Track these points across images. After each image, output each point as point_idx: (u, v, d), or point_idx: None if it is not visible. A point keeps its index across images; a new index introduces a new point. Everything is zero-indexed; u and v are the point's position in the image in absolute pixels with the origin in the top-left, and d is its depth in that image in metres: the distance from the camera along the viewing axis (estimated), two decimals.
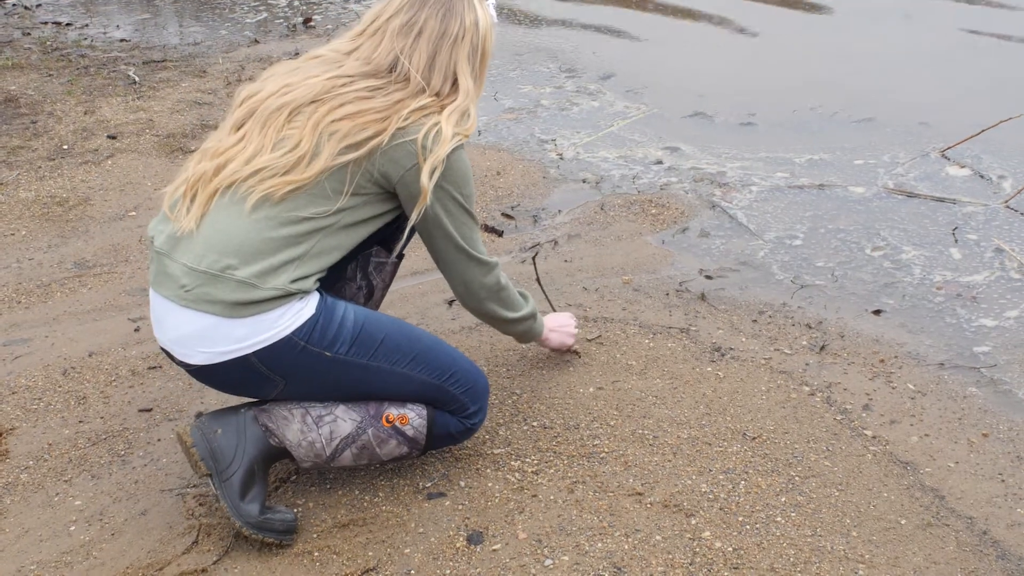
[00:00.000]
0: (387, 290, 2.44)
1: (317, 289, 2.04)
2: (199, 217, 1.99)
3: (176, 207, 2.04)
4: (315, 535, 2.12)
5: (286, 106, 2.01)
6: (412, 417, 2.13)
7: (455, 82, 2.08)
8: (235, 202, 1.98)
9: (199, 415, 2.14)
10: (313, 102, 2.00)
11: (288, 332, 1.97)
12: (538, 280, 2.93)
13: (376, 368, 2.07)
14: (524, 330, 2.38)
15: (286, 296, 1.96)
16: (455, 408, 2.17)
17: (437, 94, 2.06)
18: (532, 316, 2.37)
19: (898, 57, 5.33)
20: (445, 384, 2.14)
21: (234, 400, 2.32)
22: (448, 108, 2.04)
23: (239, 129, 2.05)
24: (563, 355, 2.70)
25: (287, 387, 2.06)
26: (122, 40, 6.01)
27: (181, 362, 2.06)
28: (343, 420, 2.09)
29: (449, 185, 2.05)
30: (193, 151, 4.14)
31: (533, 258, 2.95)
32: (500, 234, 3.55)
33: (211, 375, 2.06)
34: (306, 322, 1.99)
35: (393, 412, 2.12)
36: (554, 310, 2.85)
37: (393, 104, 2.01)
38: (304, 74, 2.06)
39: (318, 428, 2.08)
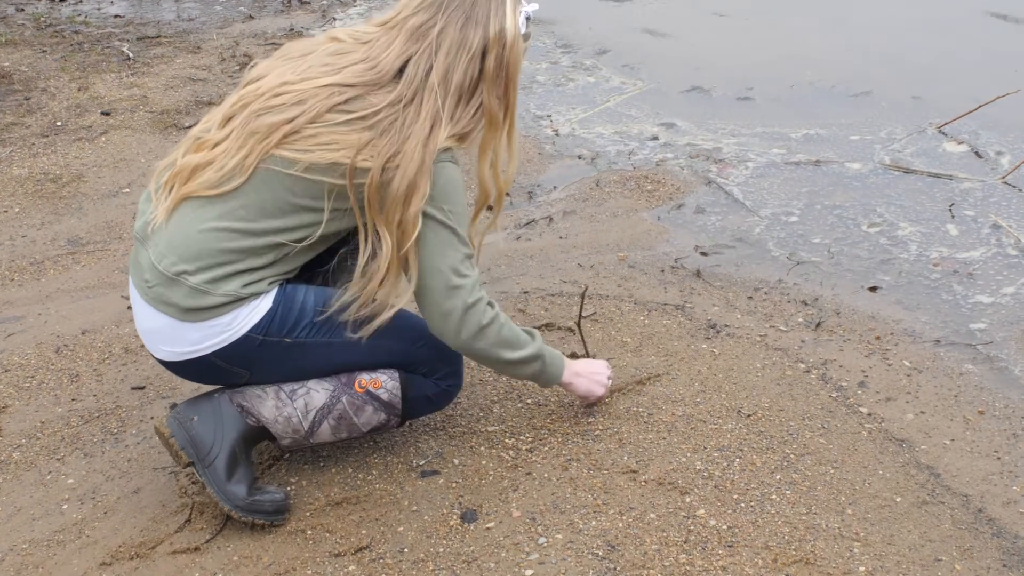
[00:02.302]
0: None
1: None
2: (169, 211, 1.95)
3: (159, 191, 2.00)
4: (308, 513, 2.11)
5: (268, 125, 1.89)
6: (384, 380, 2.09)
7: (478, 107, 1.93)
8: (202, 205, 1.93)
9: (174, 405, 2.11)
10: (293, 133, 1.87)
11: (244, 332, 1.95)
12: (578, 324, 2.60)
13: (340, 343, 2.02)
14: (533, 373, 2.15)
15: (237, 300, 1.92)
16: (427, 371, 2.13)
17: (454, 120, 1.91)
18: (537, 357, 2.12)
19: (897, 30, 5.29)
20: (414, 348, 2.10)
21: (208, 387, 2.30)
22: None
23: (228, 122, 1.96)
24: (590, 406, 2.39)
25: (253, 376, 2.05)
26: (116, 16, 5.96)
27: (151, 353, 2.06)
28: (316, 391, 2.07)
29: (428, 203, 1.91)
30: (189, 127, 4.15)
31: (578, 321, 2.59)
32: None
33: (177, 369, 2.05)
34: (262, 318, 1.95)
35: (365, 378, 2.08)
36: (588, 356, 2.54)
37: (390, 138, 1.87)
38: (305, 71, 1.93)
39: (292, 402, 2.06)
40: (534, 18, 2.02)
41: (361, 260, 1.94)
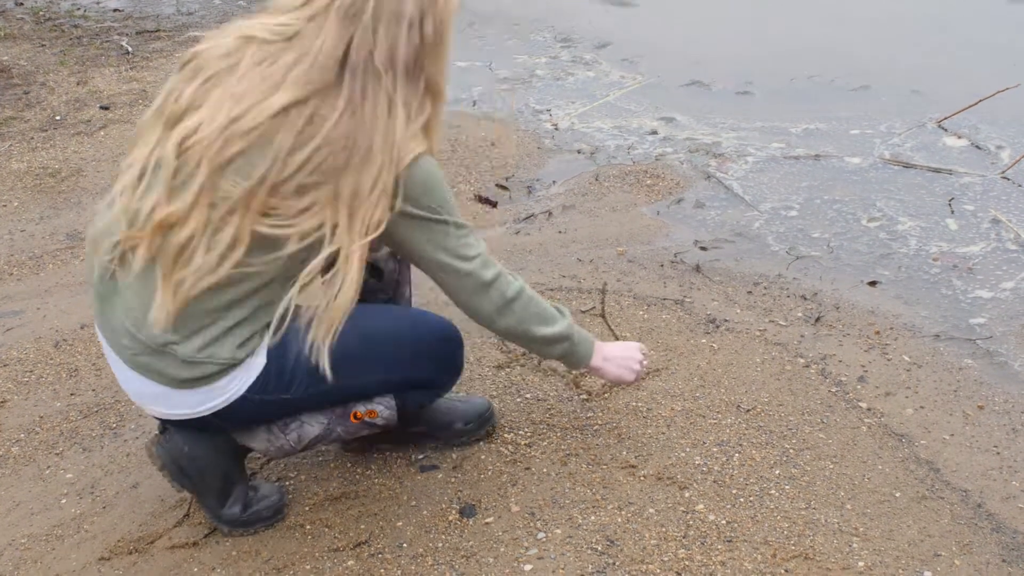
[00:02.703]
0: (410, 283, 2.21)
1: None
2: (123, 256, 1.77)
3: (114, 247, 1.78)
4: (307, 508, 2.10)
5: (243, 194, 1.67)
6: (381, 411, 1.99)
7: (425, 87, 1.74)
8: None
9: (163, 430, 1.98)
10: (272, 196, 1.68)
11: (241, 393, 1.84)
12: (603, 314, 2.61)
13: (338, 385, 1.88)
14: (561, 352, 2.02)
15: (235, 365, 1.80)
16: (425, 386, 2.05)
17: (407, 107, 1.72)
18: (567, 336, 2.00)
19: (897, 23, 5.27)
20: (411, 373, 1.99)
21: None
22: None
23: (176, 175, 1.71)
24: (623, 387, 2.35)
25: (254, 422, 1.96)
26: (115, 10, 5.93)
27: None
28: (310, 425, 1.96)
29: (406, 203, 1.76)
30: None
31: (602, 312, 2.53)
32: (494, 205, 3.52)
33: (174, 423, 1.94)
34: (258, 377, 1.83)
35: (361, 409, 1.98)
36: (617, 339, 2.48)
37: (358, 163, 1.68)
38: (244, 93, 1.68)
39: (285, 435, 1.96)
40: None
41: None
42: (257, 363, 1.83)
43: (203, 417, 1.88)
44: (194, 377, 1.79)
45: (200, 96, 1.71)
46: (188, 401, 1.84)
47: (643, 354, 2.17)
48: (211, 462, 1.97)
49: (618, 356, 2.13)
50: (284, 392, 1.87)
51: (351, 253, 1.71)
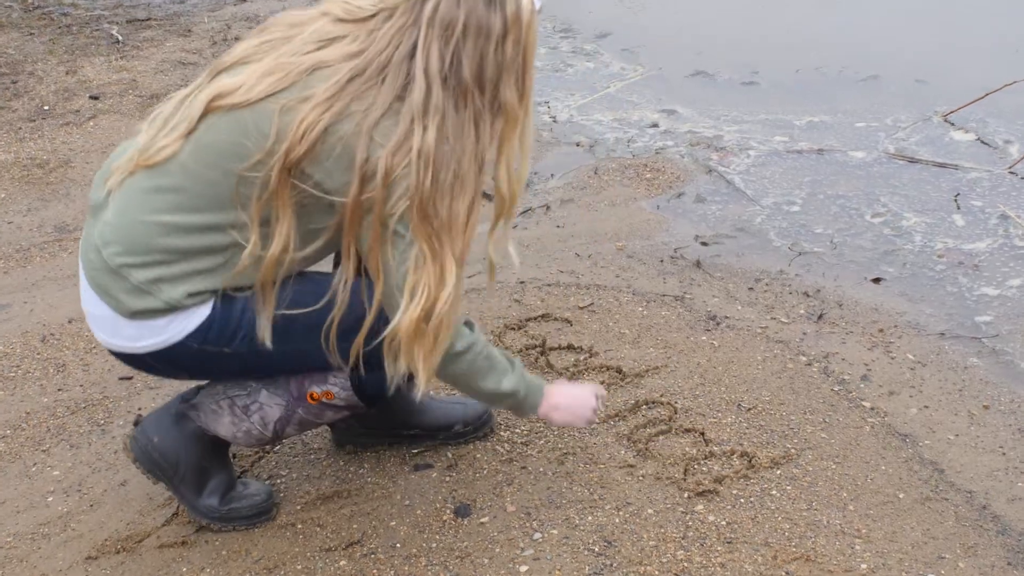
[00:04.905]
0: None
1: None
2: (122, 178, 1.78)
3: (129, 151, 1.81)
4: (299, 507, 2.08)
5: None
6: (337, 392, 1.92)
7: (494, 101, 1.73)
8: (153, 176, 1.75)
9: (137, 422, 2.01)
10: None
11: (179, 338, 1.79)
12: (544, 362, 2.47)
13: (283, 350, 1.83)
14: (509, 406, 1.97)
15: (177, 309, 1.77)
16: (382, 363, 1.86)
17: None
18: (513, 393, 1.92)
19: (906, 14, 5.25)
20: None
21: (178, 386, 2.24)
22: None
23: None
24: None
25: (192, 377, 1.96)
26: None
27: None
28: (269, 406, 1.93)
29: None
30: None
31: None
32: (491, 199, 3.48)
33: (122, 359, 1.91)
34: (199, 326, 1.79)
35: (316, 390, 1.92)
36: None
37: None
38: (285, 57, 1.69)
39: (248, 418, 1.94)
40: None
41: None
42: (201, 311, 1.79)
43: (144, 361, 1.85)
44: (137, 309, 1.76)
45: (251, 53, 1.73)
46: (128, 333, 1.80)
47: (599, 398, 2.06)
48: (182, 453, 1.97)
49: (568, 405, 2.02)
50: (225, 345, 1.82)
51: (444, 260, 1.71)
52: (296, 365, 1.91)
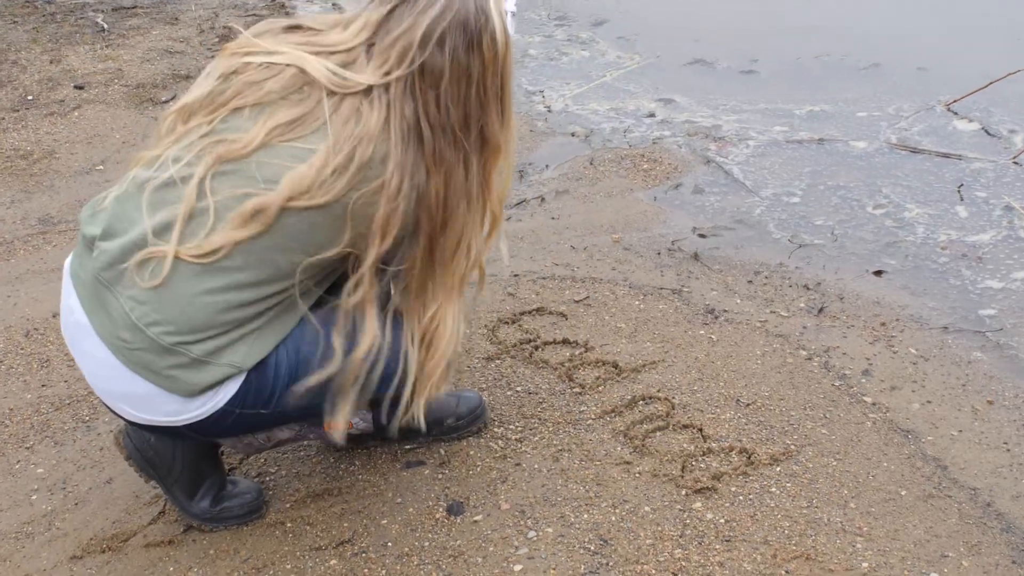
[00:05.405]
0: None
1: None
2: (159, 261, 1.68)
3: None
4: (288, 505, 2.07)
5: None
6: (356, 423, 2.02)
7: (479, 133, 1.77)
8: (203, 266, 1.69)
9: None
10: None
11: (222, 405, 1.75)
12: None
13: (318, 402, 1.80)
14: None
15: (236, 372, 1.73)
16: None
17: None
18: None
19: (908, 1, 5.22)
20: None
21: None
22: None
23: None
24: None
25: (218, 438, 1.92)
26: None
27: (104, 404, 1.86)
28: (279, 430, 1.95)
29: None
30: (165, 102, 4.07)
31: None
32: None
33: (141, 427, 1.87)
34: (240, 387, 1.75)
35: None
36: None
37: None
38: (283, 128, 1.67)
39: (254, 434, 1.94)
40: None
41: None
42: (238, 375, 1.75)
43: (176, 431, 1.81)
44: (205, 384, 1.71)
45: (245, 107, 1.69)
46: (169, 408, 1.74)
47: None
48: (179, 454, 1.95)
49: None
50: (263, 407, 1.80)
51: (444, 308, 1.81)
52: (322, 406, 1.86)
